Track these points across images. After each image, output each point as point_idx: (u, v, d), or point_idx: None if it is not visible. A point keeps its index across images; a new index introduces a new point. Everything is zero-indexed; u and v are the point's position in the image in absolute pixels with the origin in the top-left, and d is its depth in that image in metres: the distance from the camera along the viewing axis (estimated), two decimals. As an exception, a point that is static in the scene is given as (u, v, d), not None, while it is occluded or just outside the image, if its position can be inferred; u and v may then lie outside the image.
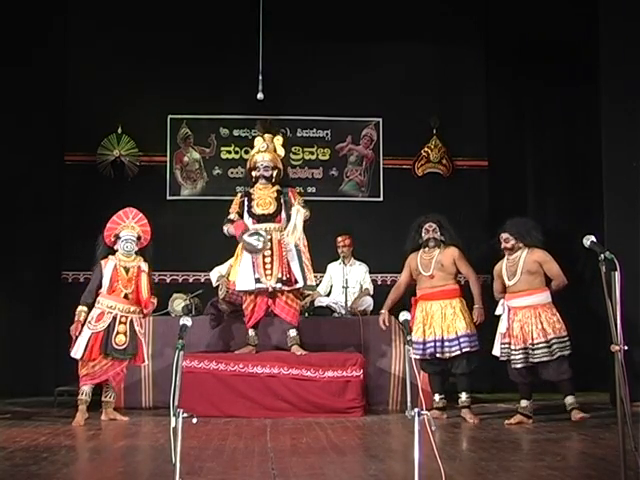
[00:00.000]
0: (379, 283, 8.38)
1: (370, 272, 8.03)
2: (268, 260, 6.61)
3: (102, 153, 8.45)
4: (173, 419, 3.48)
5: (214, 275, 7.36)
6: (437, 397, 6.37)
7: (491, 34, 8.70)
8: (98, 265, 6.36)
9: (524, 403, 6.11)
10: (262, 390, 6.43)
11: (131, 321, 6.28)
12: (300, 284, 6.66)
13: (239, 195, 7.00)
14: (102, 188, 8.29)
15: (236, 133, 8.69)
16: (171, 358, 3.75)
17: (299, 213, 6.59)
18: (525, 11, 8.44)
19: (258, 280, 6.58)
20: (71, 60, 8.43)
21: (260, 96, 7.41)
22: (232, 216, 6.79)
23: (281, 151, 7.02)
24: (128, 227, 6.43)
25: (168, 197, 8.60)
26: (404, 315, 4.27)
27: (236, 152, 8.65)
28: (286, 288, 6.62)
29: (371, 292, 7.90)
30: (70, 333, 6.18)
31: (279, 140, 7.02)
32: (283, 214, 6.74)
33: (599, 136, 7.36)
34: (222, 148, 8.69)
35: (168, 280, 8.38)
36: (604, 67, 7.27)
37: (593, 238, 4.02)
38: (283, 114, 8.42)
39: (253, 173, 6.88)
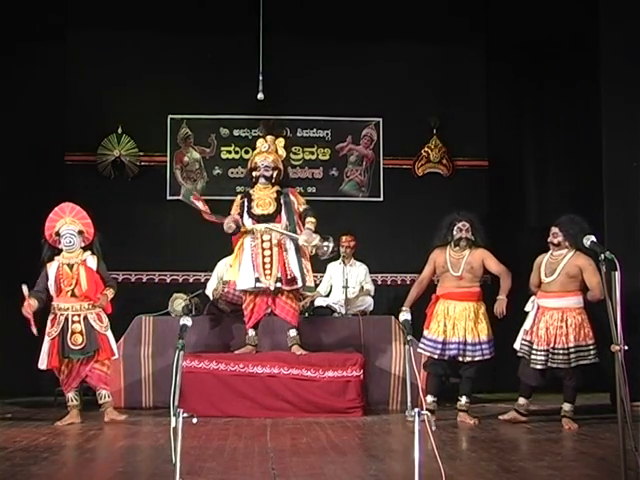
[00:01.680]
0: (379, 283, 8.38)
1: (370, 272, 8.03)
2: (268, 260, 6.61)
3: (102, 153, 8.44)
4: (173, 419, 3.48)
5: (210, 290, 7.41)
6: (430, 398, 6.17)
7: (491, 34, 8.69)
8: (44, 267, 6.24)
9: (522, 401, 6.09)
10: (262, 390, 6.43)
11: (85, 318, 6.13)
12: (300, 284, 6.67)
13: (239, 196, 6.98)
14: (102, 188, 8.30)
15: (236, 133, 8.69)
16: (171, 358, 3.76)
17: (314, 238, 6.60)
18: (525, 10, 8.44)
19: (258, 280, 6.58)
20: (71, 60, 8.42)
21: (260, 96, 7.42)
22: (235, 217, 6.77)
23: (282, 152, 7.02)
24: (67, 222, 6.29)
25: (168, 197, 8.59)
26: (404, 315, 4.29)
27: (236, 152, 8.65)
28: (286, 288, 6.61)
29: (372, 293, 7.90)
30: (24, 314, 6.06)
31: (281, 142, 7.02)
32: (283, 215, 6.74)
33: (599, 136, 7.36)
34: (222, 148, 8.69)
35: (168, 280, 8.38)
36: (604, 67, 7.28)
37: (593, 238, 4.03)
38: (283, 114, 8.42)
39: (254, 173, 6.88)
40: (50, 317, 6.16)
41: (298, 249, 6.68)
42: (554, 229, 6.08)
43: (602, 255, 3.76)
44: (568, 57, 8.46)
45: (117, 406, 6.56)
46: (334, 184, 8.73)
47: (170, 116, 8.61)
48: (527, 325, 6.07)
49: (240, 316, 6.90)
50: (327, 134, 8.76)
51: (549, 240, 6.08)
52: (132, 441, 5.51)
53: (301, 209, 6.78)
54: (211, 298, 7.35)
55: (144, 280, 8.33)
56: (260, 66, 7.48)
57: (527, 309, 6.17)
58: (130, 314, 7.27)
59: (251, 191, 6.86)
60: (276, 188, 6.82)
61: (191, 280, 8.30)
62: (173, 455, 3.45)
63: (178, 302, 7.41)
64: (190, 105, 8.57)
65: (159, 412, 6.51)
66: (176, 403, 3.54)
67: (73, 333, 6.07)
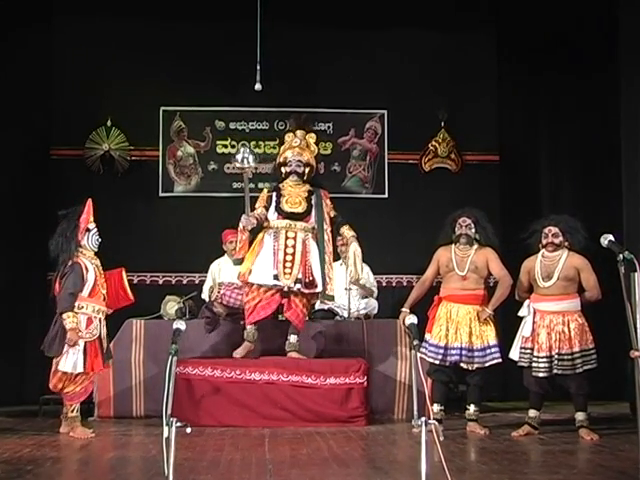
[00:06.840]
0: (384, 285, 8.39)
1: (374, 273, 8.01)
2: (290, 259, 6.59)
3: (90, 147, 8.45)
4: (166, 429, 3.48)
5: (206, 292, 7.39)
6: (436, 407, 6.10)
7: (502, 23, 8.70)
8: (75, 265, 5.96)
9: (533, 413, 6.06)
10: (260, 398, 6.42)
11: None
12: (319, 289, 6.64)
13: (266, 190, 6.97)
14: (90, 184, 8.27)
15: (232, 126, 8.70)
16: (164, 364, 3.75)
17: (357, 257, 6.71)
18: (538, -1, 8.45)
19: (276, 277, 6.55)
20: (57, 49, 8.44)
21: (258, 87, 7.41)
22: (258, 211, 6.70)
23: (314, 149, 7.02)
24: (91, 220, 6.19)
25: (160, 194, 8.60)
26: (410, 319, 4.27)
27: (232, 146, 8.64)
28: (305, 291, 6.59)
29: (375, 292, 7.86)
30: (69, 345, 5.83)
31: (312, 137, 7.02)
32: (313, 214, 6.74)
33: (616, 129, 7.35)
34: (218, 142, 8.70)
35: (161, 282, 8.39)
36: (624, 55, 7.27)
37: (611, 237, 4.03)
38: (282, 106, 8.43)
39: (283, 169, 6.88)
40: (84, 317, 5.93)
41: (323, 252, 6.67)
42: (553, 229, 6.06)
43: (620, 255, 3.75)
44: (583, 46, 8.45)
45: (106, 415, 6.55)
46: (336, 180, 8.73)
47: (162, 108, 8.62)
48: (526, 332, 6.03)
49: (236, 320, 6.89)
50: (329, 127, 8.77)
51: (549, 241, 6.05)
52: (122, 452, 5.50)
53: (332, 214, 6.82)
54: (207, 300, 7.33)
55: (135, 282, 8.30)
56: (258, 55, 7.46)
57: (522, 314, 6.12)
58: (120, 317, 7.25)
59: (280, 186, 6.85)
60: (307, 187, 6.83)
61: (185, 282, 8.31)
62: (165, 467, 3.45)
63: (171, 305, 7.41)
64: (184, 96, 8.58)
65: (151, 421, 6.50)
66: (169, 412, 3.54)
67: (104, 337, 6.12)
